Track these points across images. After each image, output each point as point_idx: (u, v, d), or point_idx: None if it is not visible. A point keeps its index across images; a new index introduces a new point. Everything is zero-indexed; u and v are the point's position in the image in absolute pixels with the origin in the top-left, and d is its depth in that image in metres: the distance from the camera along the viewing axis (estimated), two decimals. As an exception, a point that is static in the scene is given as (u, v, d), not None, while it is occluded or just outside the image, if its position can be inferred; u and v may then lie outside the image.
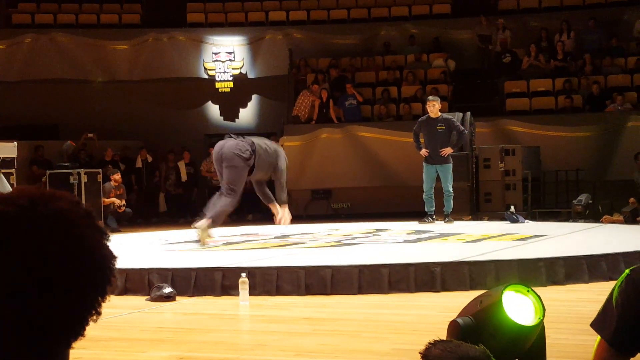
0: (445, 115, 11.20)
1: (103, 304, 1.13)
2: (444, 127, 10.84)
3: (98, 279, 1.11)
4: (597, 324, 1.94)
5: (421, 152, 10.90)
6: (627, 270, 1.95)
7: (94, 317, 1.12)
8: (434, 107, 10.91)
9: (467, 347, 1.64)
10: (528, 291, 1.89)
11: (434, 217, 11.01)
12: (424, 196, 10.96)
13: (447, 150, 10.77)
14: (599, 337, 1.95)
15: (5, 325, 1.05)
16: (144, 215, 15.89)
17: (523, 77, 15.75)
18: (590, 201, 12.51)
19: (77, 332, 1.10)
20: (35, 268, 1.05)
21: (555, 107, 15.16)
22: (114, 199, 13.48)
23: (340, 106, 15.62)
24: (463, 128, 11.20)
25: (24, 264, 1.05)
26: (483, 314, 1.83)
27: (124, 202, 13.75)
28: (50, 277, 1.06)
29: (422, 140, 11.04)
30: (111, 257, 1.13)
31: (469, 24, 17.19)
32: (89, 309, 1.10)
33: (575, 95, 15.09)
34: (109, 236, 1.15)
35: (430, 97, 11.37)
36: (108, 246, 1.14)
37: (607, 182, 13.69)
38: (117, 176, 13.62)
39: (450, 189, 10.85)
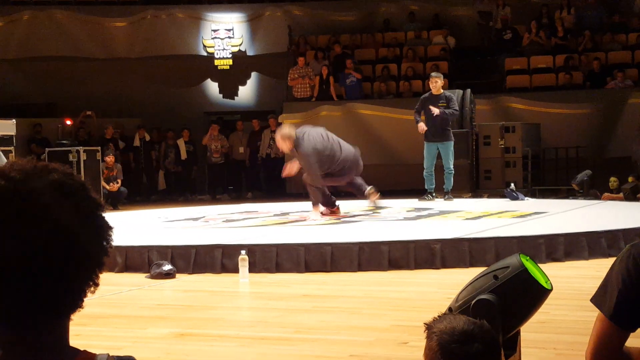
0: (447, 93, 11.11)
1: (100, 275, 1.12)
2: (445, 105, 10.77)
3: (94, 250, 1.11)
4: (597, 300, 1.94)
5: (418, 127, 10.79)
6: (627, 246, 1.95)
7: (92, 289, 1.12)
8: (437, 84, 10.82)
9: (468, 321, 1.68)
10: (527, 260, 1.94)
11: (434, 194, 10.98)
12: (424, 174, 10.92)
13: (435, 110, 10.59)
14: (599, 312, 1.94)
15: (3, 298, 1.06)
16: (143, 193, 15.88)
17: (523, 53, 15.67)
18: (586, 178, 12.49)
19: (75, 303, 1.10)
20: (30, 240, 1.05)
21: (555, 84, 15.09)
22: (103, 184, 13.39)
23: (342, 84, 15.56)
24: (457, 110, 11.05)
25: (19, 237, 1.05)
26: (505, 286, 1.86)
27: (119, 182, 13.70)
28: (46, 249, 1.06)
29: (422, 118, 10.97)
30: (107, 228, 1.13)
31: (469, 0, 17.08)
32: (86, 280, 1.11)
33: (576, 72, 15.02)
34: (104, 207, 1.15)
35: (433, 74, 11.29)
36: (104, 217, 1.14)
37: (607, 159, 13.67)
38: (109, 158, 13.55)
39: (451, 167, 10.82)
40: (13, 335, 1.08)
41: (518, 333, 2.02)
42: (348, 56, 16.19)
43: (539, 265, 2.05)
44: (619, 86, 14.48)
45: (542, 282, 1.90)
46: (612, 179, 11.97)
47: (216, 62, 17.63)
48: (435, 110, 10.59)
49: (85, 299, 1.12)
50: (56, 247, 1.06)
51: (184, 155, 16.04)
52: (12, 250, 1.05)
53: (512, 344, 2.00)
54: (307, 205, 10.70)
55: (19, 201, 1.06)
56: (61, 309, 1.10)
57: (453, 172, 10.85)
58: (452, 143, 10.83)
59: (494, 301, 1.84)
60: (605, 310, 1.90)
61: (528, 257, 1.96)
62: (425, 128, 10.72)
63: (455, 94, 12.57)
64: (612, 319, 1.88)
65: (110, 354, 1.12)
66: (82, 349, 1.12)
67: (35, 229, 1.05)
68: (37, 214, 1.06)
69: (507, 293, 1.85)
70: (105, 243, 1.12)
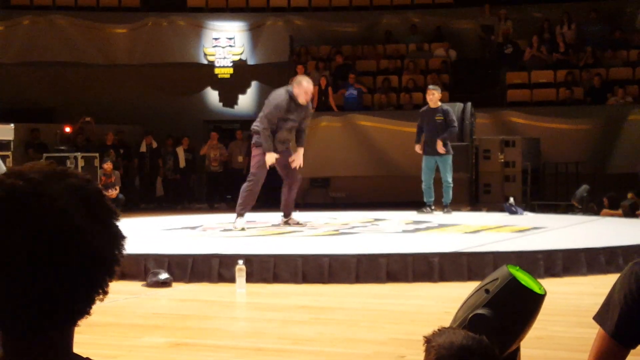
0: (445, 106, 11.04)
1: (110, 284, 1.13)
2: (442, 118, 10.71)
3: (106, 258, 1.11)
4: (600, 317, 1.95)
5: (416, 147, 10.82)
6: (630, 264, 1.95)
7: (101, 296, 1.12)
8: (434, 96, 10.79)
9: (468, 336, 1.68)
10: (517, 270, 1.93)
11: (433, 207, 10.95)
12: (422, 187, 10.87)
13: (438, 145, 10.60)
14: (599, 329, 1.94)
15: (13, 301, 1.05)
16: (142, 200, 15.86)
17: (525, 68, 15.70)
18: (585, 194, 12.49)
19: (83, 310, 1.10)
20: (43, 244, 1.05)
21: (556, 99, 15.11)
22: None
23: (342, 87, 15.57)
24: (455, 125, 10.96)
25: (33, 240, 1.05)
26: (497, 298, 1.84)
27: (117, 189, 13.66)
28: (58, 254, 1.05)
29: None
30: (120, 237, 1.14)
31: (471, 13, 17.12)
32: (95, 287, 1.11)
33: (577, 87, 15.04)
34: (119, 215, 1.15)
35: (430, 86, 11.24)
36: (118, 226, 1.14)
37: (607, 175, 13.66)
38: (107, 165, 13.53)
39: (450, 180, 10.78)
40: (18, 338, 1.08)
41: (518, 349, 2.01)
42: (349, 67, 16.20)
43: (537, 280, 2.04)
44: (619, 102, 14.50)
45: (535, 288, 1.89)
46: (605, 199, 11.94)
47: (216, 71, 17.63)
48: (441, 149, 10.55)
49: (92, 306, 1.12)
50: (68, 253, 1.06)
51: (182, 164, 16.02)
52: (24, 252, 1.04)
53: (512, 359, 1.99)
54: (306, 215, 10.70)
55: (35, 203, 1.06)
56: (68, 315, 1.09)
57: (452, 185, 10.82)
58: (450, 156, 10.79)
59: (488, 315, 1.83)
60: (607, 327, 1.90)
61: (518, 267, 1.95)
62: (421, 149, 10.73)
63: (456, 107, 12.55)
64: (615, 337, 1.88)
65: None
66: (85, 357, 1.12)
67: (49, 233, 1.05)
68: (52, 217, 1.05)
69: (500, 304, 1.84)
70: (117, 252, 1.13)
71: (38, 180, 1.07)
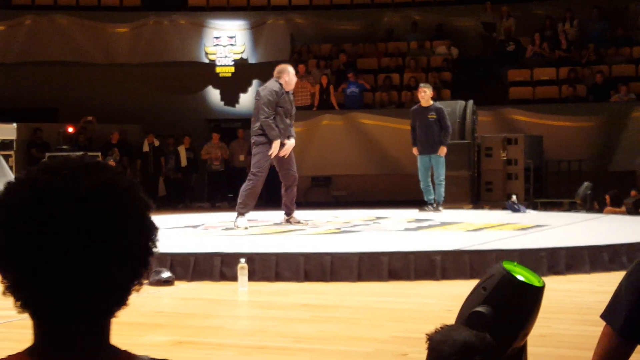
0: (437, 104, 10.98)
1: (144, 274, 1.15)
2: (435, 116, 10.67)
3: (141, 250, 1.13)
4: (607, 315, 1.94)
5: (413, 150, 10.83)
6: (636, 260, 1.94)
7: (137, 287, 1.15)
8: (425, 94, 10.74)
9: (470, 333, 1.68)
10: (515, 265, 1.92)
11: (434, 205, 10.93)
12: (421, 186, 10.85)
13: (442, 151, 10.61)
14: (604, 327, 1.93)
15: (51, 294, 1.07)
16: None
17: (527, 65, 15.67)
18: (589, 191, 12.47)
19: (121, 301, 1.14)
20: (79, 238, 1.06)
21: (559, 96, 15.08)
22: None
23: (342, 92, 15.56)
24: (449, 125, 10.93)
25: (68, 234, 1.06)
26: (495, 294, 1.83)
27: None
28: (94, 247, 1.07)
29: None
30: (153, 229, 1.15)
31: (473, 11, 17.10)
32: (132, 278, 1.13)
33: (579, 84, 15.01)
34: (152, 208, 1.17)
35: (421, 85, 11.18)
36: (151, 217, 1.16)
37: (610, 172, 13.64)
38: (110, 163, 13.56)
39: (442, 177, 10.75)
40: (54, 328, 1.10)
41: (525, 346, 1.99)
42: (351, 65, 16.18)
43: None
44: (622, 100, 14.47)
45: (533, 281, 1.88)
46: (607, 197, 11.93)
47: (218, 70, 17.63)
48: (442, 151, 10.56)
49: (130, 297, 1.14)
50: (104, 245, 1.07)
51: (184, 162, 16.01)
52: (61, 247, 1.06)
53: (518, 358, 1.97)
54: (307, 214, 10.70)
55: (67, 199, 1.07)
56: (108, 306, 1.12)
57: (444, 182, 10.79)
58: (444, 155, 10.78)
59: (486, 312, 1.82)
60: (614, 325, 1.90)
61: (515, 263, 1.94)
62: (417, 151, 10.74)
63: (457, 105, 12.53)
64: (622, 333, 1.88)
65: (150, 356, 1.15)
66: (123, 349, 1.15)
67: (85, 227, 1.06)
68: (84, 213, 1.07)
69: (498, 300, 1.84)
70: (151, 243, 1.14)
71: (70, 176, 1.09)
